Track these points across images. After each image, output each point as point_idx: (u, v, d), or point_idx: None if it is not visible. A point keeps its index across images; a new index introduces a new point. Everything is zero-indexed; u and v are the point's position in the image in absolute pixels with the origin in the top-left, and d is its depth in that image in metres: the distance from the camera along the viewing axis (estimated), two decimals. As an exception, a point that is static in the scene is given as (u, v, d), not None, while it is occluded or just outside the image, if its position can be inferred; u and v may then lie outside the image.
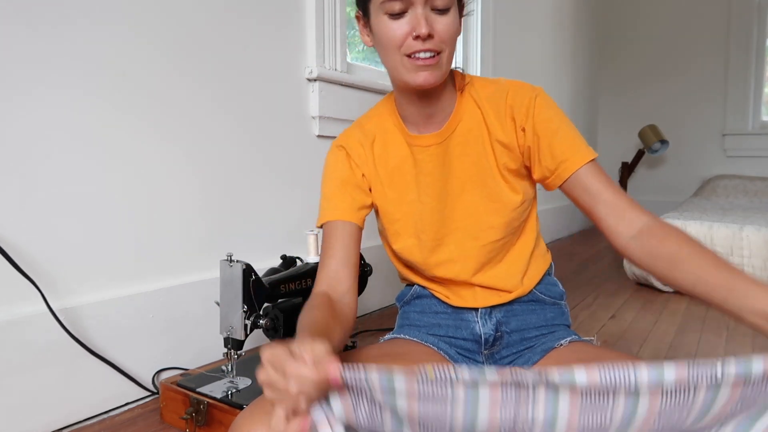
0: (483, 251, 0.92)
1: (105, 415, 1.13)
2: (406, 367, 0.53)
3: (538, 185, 0.93)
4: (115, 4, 1.14)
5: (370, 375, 0.54)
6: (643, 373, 0.50)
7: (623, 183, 4.07)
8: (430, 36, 0.77)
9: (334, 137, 1.71)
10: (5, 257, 0.97)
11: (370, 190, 0.93)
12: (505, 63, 2.74)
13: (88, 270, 1.12)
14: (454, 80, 0.91)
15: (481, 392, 0.53)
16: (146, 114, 1.21)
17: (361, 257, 1.27)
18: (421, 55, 0.79)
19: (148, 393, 1.20)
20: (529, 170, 0.90)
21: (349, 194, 0.91)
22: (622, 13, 4.16)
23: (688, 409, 0.52)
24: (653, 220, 0.79)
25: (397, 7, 0.77)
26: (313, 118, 1.65)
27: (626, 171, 4.07)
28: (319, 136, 1.67)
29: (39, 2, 1.02)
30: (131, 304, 1.18)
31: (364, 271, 1.27)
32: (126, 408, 1.16)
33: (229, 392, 1.03)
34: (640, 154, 3.97)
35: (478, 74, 2.52)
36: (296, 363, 0.53)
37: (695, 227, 2.17)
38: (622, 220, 0.80)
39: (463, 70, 0.93)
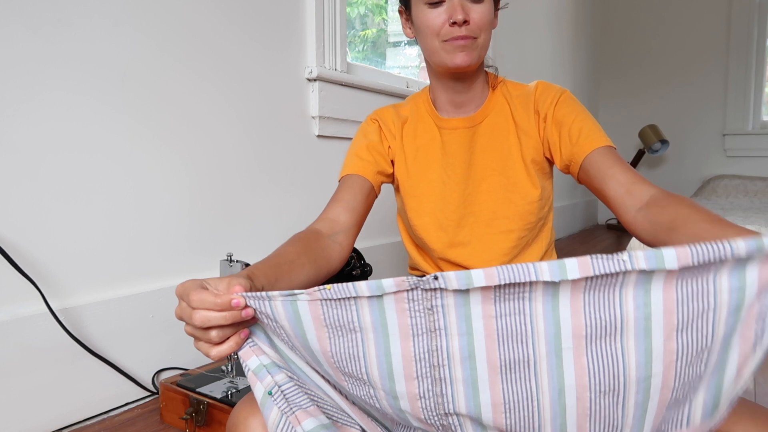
0: (494, 240, 0.94)
1: (105, 415, 1.13)
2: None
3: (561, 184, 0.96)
4: (116, 5, 1.14)
5: (275, 302, 0.54)
6: (640, 255, 0.44)
7: (623, 183, 4.07)
8: (465, 22, 0.83)
9: (334, 137, 1.72)
10: (5, 257, 0.97)
11: (393, 163, 0.99)
12: (505, 63, 2.74)
13: (88, 270, 1.12)
14: (487, 79, 0.98)
15: (386, 302, 0.51)
16: (147, 114, 1.21)
17: (362, 257, 1.27)
18: (458, 39, 0.85)
19: (148, 393, 1.20)
20: (551, 164, 0.95)
21: (373, 157, 0.96)
22: (622, 13, 4.16)
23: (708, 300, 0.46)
24: (660, 191, 0.76)
25: None
26: (313, 118, 1.65)
27: (626, 171, 4.07)
28: (319, 136, 1.67)
29: (38, 2, 1.02)
30: (131, 304, 1.18)
31: (364, 271, 1.27)
32: (126, 408, 1.16)
33: (229, 392, 1.03)
34: (640, 154, 3.97)
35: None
36: (201, 292, 0.54)
37: (695, 227, 2.17)
38: (630, 194, 0.78)
39: (496, 69, 1.01)
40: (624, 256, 0.44)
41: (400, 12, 0.95)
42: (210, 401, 1.01)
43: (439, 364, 0.52)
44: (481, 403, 0.52)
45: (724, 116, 3.84)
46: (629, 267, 0.44)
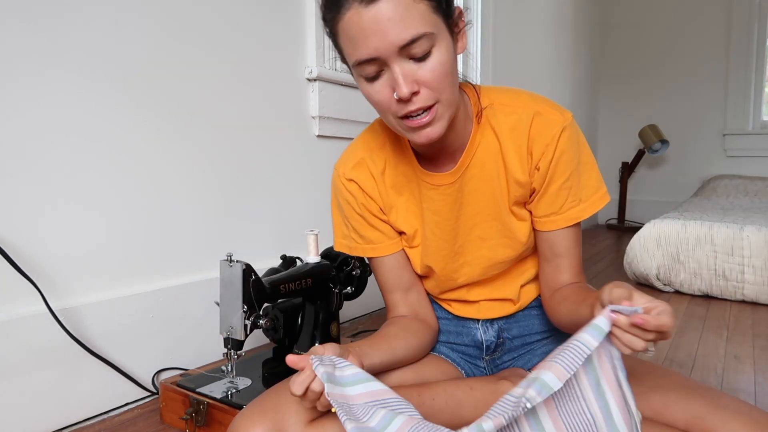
0: (491, 279, 0.92)
1: (105, 416, 1.13)
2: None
3: None
4: (117, 4, 1.13)
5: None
6: (533, 393, 0.59)
7: (623, 183, 4.07)
8: (414, 93, 0.67)
9: (334, 137, 1.71)
10: (5, 257, 0.97)
11: (386, 214, 0.90)
12: (505, 63, 2.74)
13: (88, 270, 1.12)
14: (468, 102, 0.82)
15: None
16: (145, 114, 1.21)
17: (361, 257, 1.27)
18: (414, 116, 0.69)
19: (148, 393, 1.20)
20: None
21: (379, 227, 0.89)
22: (622, 13, 4.16)
23: (577, 388, 0.63)
24: (576, 282, 0.86)
25: (370, 70, 0.68)
26: (313, 118, 1.65)
27: (626, 171, 4.07)
28: (319, 136, 1.67)
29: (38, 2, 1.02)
30: (131, 304, 1.18)
31: (363, 271, 1.27)
32: (126, 408, 1.16)
33: (229, 392, 1.03)
34: (640, 154, 3.97)
35: (478, 77, 2.51)
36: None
37: (695, 227, 2.17)
38: (557, 281, 0.86)
39: (474, 85, 0.84)
40: (523, 400, 0.58)
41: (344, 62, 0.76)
42: (210, 401, 1.01)
43: None
44: None
45: (725, 116, 3.84)
46: (529, 405, 0.58)
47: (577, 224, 0.84)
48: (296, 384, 0.66)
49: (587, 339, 0.60)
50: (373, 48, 0.65)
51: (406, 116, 0.69)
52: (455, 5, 0.73)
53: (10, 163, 1.00)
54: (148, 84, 1.21)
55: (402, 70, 0.66)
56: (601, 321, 0.60)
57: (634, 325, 0.59)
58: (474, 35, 2.53)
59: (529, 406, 0.57)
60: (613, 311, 0.61)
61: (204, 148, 1.34)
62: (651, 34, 4.05)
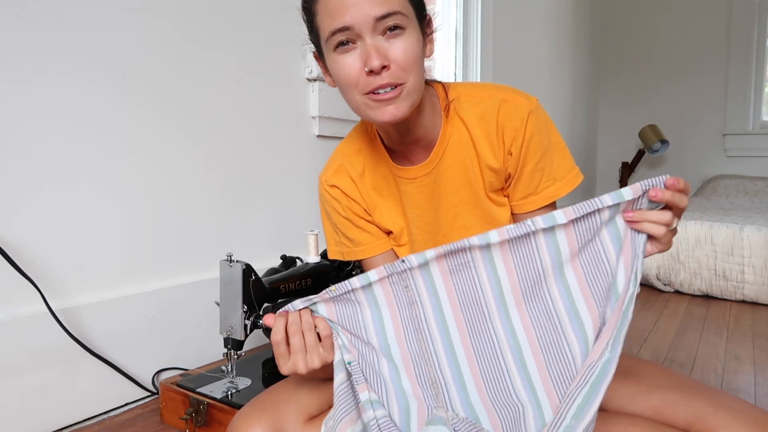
0: None
1: (105, 416, 1.13)
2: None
3: None
4: (118, 4, 1.13)
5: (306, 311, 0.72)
6: (538, 219, 0.65)
7: (623, 183, 4.06)
8: (384, 68, 0.69)
9: (334, 137, 1.71)
10: (5, 257, 0.97)
11: (370, 215, 0.93)
12: (505, 64, 2.74)
13: (88, 270, 1.12)
14: (436, 98, 0.84)
15: (375, 289, 0.70)
16: (147, 114, 1.21)
17: (361, 257, 1.27)
18: (381, 91, 0.71)
19: (148, 393, 1.20)
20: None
21: (366, 228, 0.91)
22: (622, 13, 4.15)
23: (601, 245, 0.67)
24: None
25: (342, 38, 0.69)
26: (313, 118, 1.65)
27: (626, 171, 4.07)
28: (319, 136, 1.67)
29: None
30: (131, 304, 1.18)
31: (363, 271, 1.27)
32: (126, 408, 1.16)
33: (229, 392, 1.03)
34: (640, 154, 3.97)
35: (478, 77, 2.51)
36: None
37: (695, 227, 2.17)
38: None
39: (442, 82, 0.87)
40: (528, 221, 0.65)
41: (315, 58, 0.80)
42: (210, 401, 1.01)
43: (420, 327, 0.70)
44: (458, 357, 0.70)
45: (724, 116, 3.84)
46: (533, 228, 0.64)
47: (554, 204, 0.85)
48: (275, 332, 0.69)
49: (604, 197, 0.64)
50: (349, 17, 0.68)
51: (373, 91, 0.71)
52: (427, 12, 0.77)
53: (10, 163, 1.00)
54: (148, 84, 1.21)
55: (375, 43, 0.69)
56: (625, 189, 0.64)
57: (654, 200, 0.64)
58: (474, 36, 2.53)
59: (532, 227, 0.64)
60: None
61: (204, 149, 1.34)
62: (651, 33, 4.05)
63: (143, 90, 1.20)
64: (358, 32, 0.69)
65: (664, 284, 2.24)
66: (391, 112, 0.72)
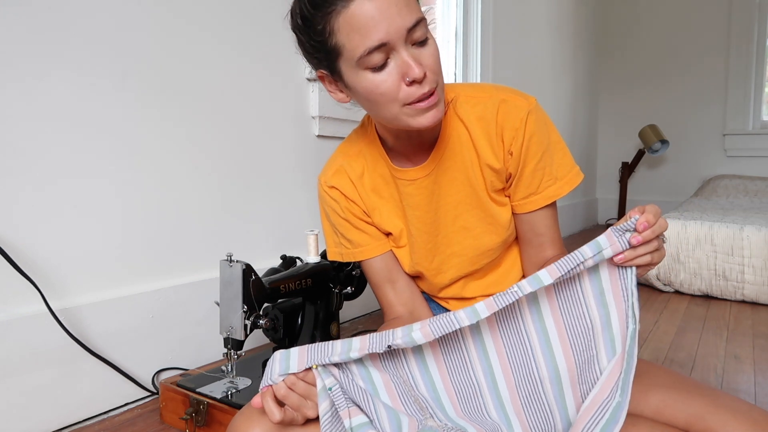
0: (484, 274, 0.93)
1: (105, 415, 1.13)
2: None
3: None
4: (119, 3, 1.14)
5: (344, 369, 0.71)
6: (525, 283, 0.65)
7: (623, 183, 4.06)
8: (424, 75, 0.69)
9: (334, 137, 1.71)
10: (5, 257, 0.97)
11: (369, 216, 0.93)
12: (505, 64, 2.74)
13: (88, 270, 1.12)
14: None
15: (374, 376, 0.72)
16: (145, 114, 1.21)
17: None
18: (423, 100, 0.71)
19: (148, 393, 1.20)
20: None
21: (365, 230, 0.91)
22: (622, 13, 4.16)
23: (581, 293, 0.70)
24: (560, 254, 0.87)
25: (378, 59, 0.68)
26: (313, 118, 1.65)
27: (626, 171, 4.07)
28: (319, 136, 1.67)
29: None
30: (131, 304, 1.18)
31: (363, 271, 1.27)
32: (126, 408, 1.16)
33: (229, 392, 1.03)
34: (640, 154, 3.97)
35: (478, 77, 2.51)
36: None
37: (695, 227, 2.17)
38: (541, 257, 0.89)
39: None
40: (514, 288, 0.65)
41: (320, 78, 0.79)
42: (210, 401, 1.01)
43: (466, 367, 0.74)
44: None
45: (724, 116, 3.84)
46: (520, 294, 0.65)
47: (555, 203, 0.86)
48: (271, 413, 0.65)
49: (584, 249, 0.66)
50: (384, 32, 0.66)
51: (417, 100, 0.71)
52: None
53: (10, 163, 1.00)
54: (149, 84, 1.21)
55: (411, 53, 0.69)
56: (600, 237, 0.66)
57: (635, 246, 0.66)
58: (474, 36, 2.53)
59: (519, 293, 0.65)
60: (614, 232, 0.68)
61: (204, 148, 1.34)
62: (651, 33, 4.05)
63: (143, 90, 1.20)
64: (393, 46, 0.68)
65: (664, 284, 2.24)
66: (434, 115, 0.73)
